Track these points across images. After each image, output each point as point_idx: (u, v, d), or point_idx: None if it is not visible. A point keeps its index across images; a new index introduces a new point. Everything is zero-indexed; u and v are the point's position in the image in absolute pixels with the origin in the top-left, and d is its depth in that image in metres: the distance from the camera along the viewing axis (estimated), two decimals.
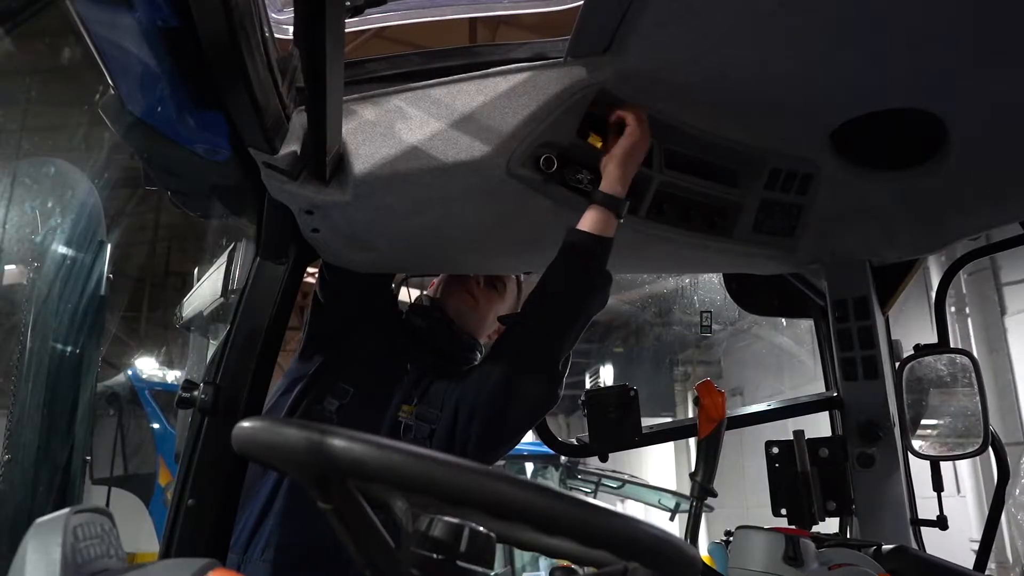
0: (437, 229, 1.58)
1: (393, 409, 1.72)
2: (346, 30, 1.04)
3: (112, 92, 1.19)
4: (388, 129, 1.35)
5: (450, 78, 1.38)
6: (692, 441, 1.75)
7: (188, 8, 0.93)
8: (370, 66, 1.44)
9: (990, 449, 1.82)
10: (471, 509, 0.62)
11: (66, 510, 0.62)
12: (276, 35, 1.24)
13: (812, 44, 1.28)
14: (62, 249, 1.71)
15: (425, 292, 2.01)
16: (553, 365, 1.54)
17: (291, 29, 1.23)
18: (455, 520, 0.71)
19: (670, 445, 12.73)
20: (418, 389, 1.73)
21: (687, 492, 1.70)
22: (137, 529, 6.32)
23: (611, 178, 1.46)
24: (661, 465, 12.90)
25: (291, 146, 1.27)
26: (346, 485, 0.62)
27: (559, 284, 1.50)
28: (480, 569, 0.72)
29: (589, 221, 1.46)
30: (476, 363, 1.86)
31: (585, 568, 0.81)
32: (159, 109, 1.17)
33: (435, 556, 0.70)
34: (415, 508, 0.79)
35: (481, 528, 0.72)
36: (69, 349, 1.67)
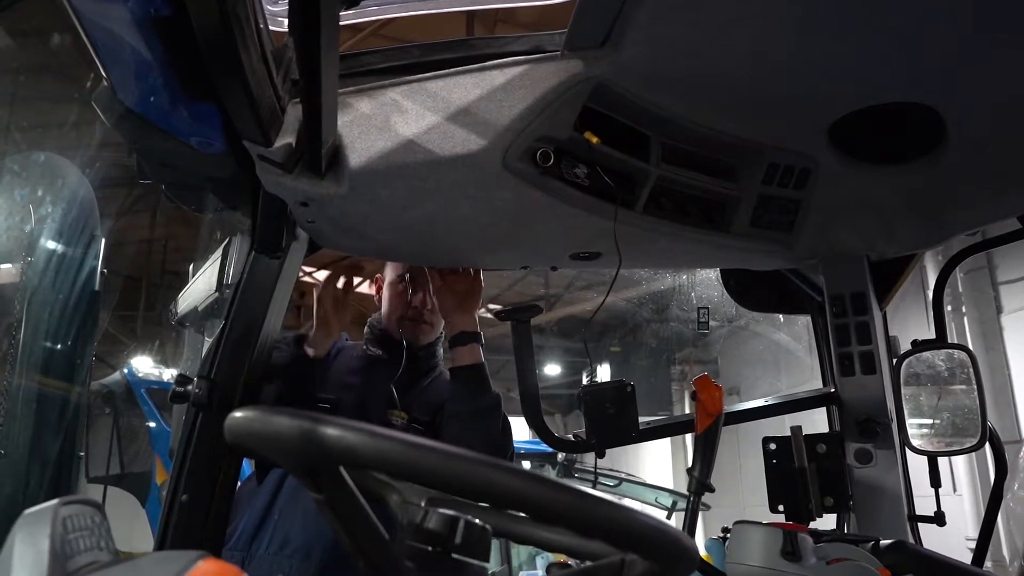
0: (433, 221, 1.57)
1: (383, 413, 1.80)
2: (341, 23, 1.03)
3: (104, 83, 1.18)
4: (384, 122, 1.34)
5: (446, 71, 1.37)
6: (689, 439, 1.75)
7: None
8: (366, 58, 1.43)
9: (987, 446, 1.81)
10: (466, 497, 0.61)
11: (55, 501, 0.61)
12: (271, 27, 1.23)
13: (810, 37, 1.27)
14: (53, 241, 1.70)
15: (374, 316, 2.07)
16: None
17: (286, 21, 1.22)
18: (450, 512, 0.71)
19: (666, 443, 12.75)
20: (404, 399, 1.91)
21: (683, 490, 1.71)
22: (135, 528, 6.30)
23: (461, 323, 1.91)
24: (657, 463, 12.92)
25: (286, 139, 1.26)
26: (338, 474, 0.61)
27: (464, 411, 1.85)
28: (475, 562, 0.71)
29: (464, 356, 1.90)
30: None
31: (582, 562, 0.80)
32: (152, 100, 1.15)
33: (430, 548, 0.70)
34: (409, 500, 0.78)
35: (476, 520, 0.71)
36: (61, 343, 1.66)
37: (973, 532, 5.89)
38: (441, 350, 2.07)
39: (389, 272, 2.05)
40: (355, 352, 2.00)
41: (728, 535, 1.49)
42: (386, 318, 2.02)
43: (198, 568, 0.56)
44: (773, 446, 1.89)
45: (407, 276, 2.00)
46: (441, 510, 0.71)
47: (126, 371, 7.46)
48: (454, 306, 1.91)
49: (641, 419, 1.93)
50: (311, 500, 1.94)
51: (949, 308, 6.90)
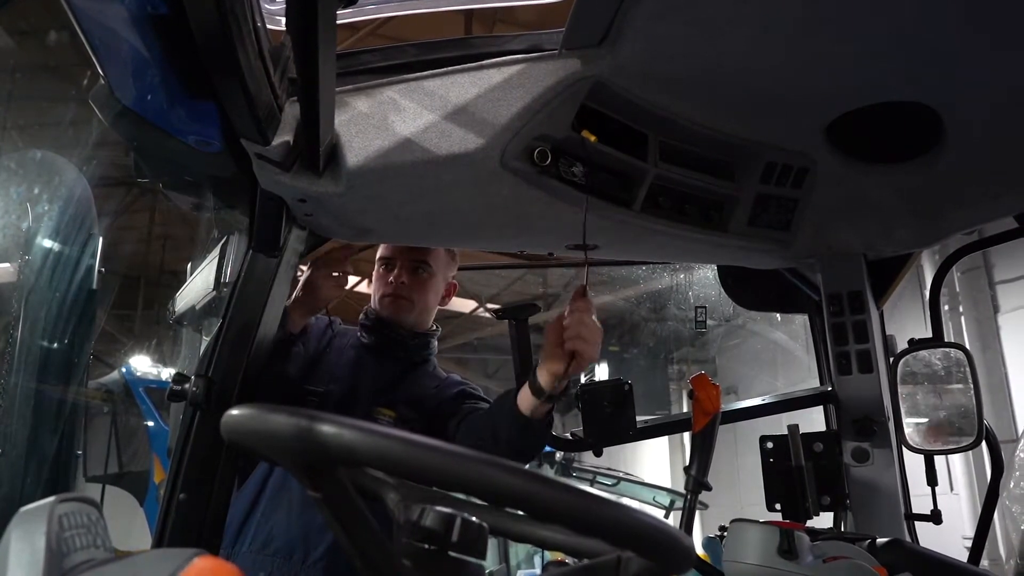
0: (431, 215, 1.58)
1: (368, 409, 1.79)
2: (339, 22, 1.03)
3: (102, 82, 1.18)
4: (382, 121, 1.35)
5: (444, 69, 1.37)
6: (687, 437, 1.75)
7: None
8: (363, 57, 1.43)
9: (983, 445, 1.82)
10: (464, 495, 0.61)
11: (51, 498, 0.61)
12: (268, 25, 1.23)
13: (809, 36, 1.28)
14: (50, 239, 1.70)
15: (367, 308, 2.04)
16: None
17: (283, 19, 1.21)
18: (447, 510, 0.71)
19: (664, 443, 12.75)
20: (392, 395, 1.86)
21: (681, 489, 1.70)
22: (133, 527, 6.29)
23: (551, 377, 1.51)
24: (655, 462, 12.93)
25: (284, 137, 1.26)
26: (336, 472, 0.61)
27: (498, 439, 1.60)
28: (472, 560, 0.71)
29: (523, 402, 1.55)
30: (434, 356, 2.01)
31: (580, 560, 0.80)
32: (149, 99, 1.15)
33: (427, 546, 0.70)
34: (407, 498, 0.78)
35: (473, 518, 0.71)
36: (58, 342, 1.66)
37: (971, 531, 5.89)
38: (435, 343, 2.05)
39: (375, 261, 2.03)
40: (348, 340, 1.98)
41: (725, 533, 1.50)
42: (374, 303, 2.00)
43: (194, 565, 0.56)
44: (770, 445, 1.90)
45: (385, 258, 1.97)
46: (438, 508, 0.71)
47: (124, 370, 7.46)
48: (549, 352, 1.54)
49: (639, 418, 1.93)
50: (294, 499, 1.92)
51: (946, 307, 6.90)
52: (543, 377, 1.51)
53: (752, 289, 2.29)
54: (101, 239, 1.80)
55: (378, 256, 1.99)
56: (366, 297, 2.21)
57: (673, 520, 6.77)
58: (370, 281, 2.16)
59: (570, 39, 1.32)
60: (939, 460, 1.91)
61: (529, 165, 1.42)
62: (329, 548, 1.67)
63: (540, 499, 0.58)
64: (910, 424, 1.87)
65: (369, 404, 1.82)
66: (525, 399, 1.56)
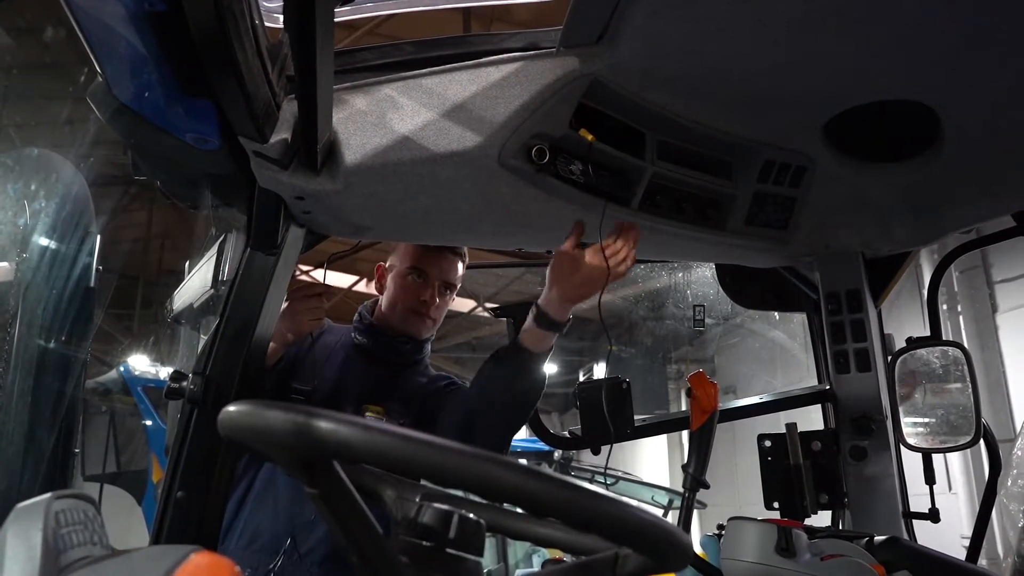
0: (429, 213, 1.58)
1: (357, 407, 1.78)
2: (337, 20, 1.03)
3: (99, 79, 1.18)
4: (379, 118, 1.35)
5: (442, 67, 1.37)
6: (685, 436, 1.75)
7: None
8: (361, 55, 1.43)
9: (981, 443, 1.82)
10: (461, 491, 0.61)
11: (48, 495, 0.61)
12: (266, 23, 1.22)
13: (807, 35, 1.28)
14: (47, 237, 1.69)
15: (365, 305, 2.02)
16: (502, 446, 1.78)
17: (281, 17, 1.21)
18: (444, 506, 0.71)
19: (663, 443, 12.76)
20: (381, 393, 1.85)
21: (680, 488, 1.71)
22: (132, 527, 6.29)
23: (559, 308, 1.63)
24: (654, 462, 12.94)
25: (281, 135, 1.26)
26: (332, 468, 0.61)
27: (497, 390, 1.71)
28: (469, 557, 0.71)
29: (530, 338, 1.66)
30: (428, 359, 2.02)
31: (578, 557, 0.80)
32: (147, 96, 1.15)
33: (424, 543, 0.70)
34: (404, 495, 0.78)
35: (471, 515, 0.71)
36: (56, 340, 1.66)
37: (969, 530, 5.90)
38: (429, 347, 2.02)
39: (399, 262, 1.92)
40: (337, 338, 1.93)
41: (723, 531, 1.50)
42: (387, 308, 1.91)
43: (190, 561, 0.56)
44: (768, 443, 1.90)
45: (418, 269, 1.89)
46: (435, 505, 0.71)
47: (122, 369, 7.44)
48: (563, 282, 1.59)
49: (637, 416, 1.94)
50: (280, 496, 1.92)
51: (945, 307, 6.90)
52: (556, 308, 1.61)
53: (750, 287, 2.30)
54: (99, 237, 1.80)
55: (409, 265, 1.89)
56: (364, 297, 2.20)
57: (672, 519, 6.78)
58: (369, 280, 2.15)
59: (568, 37, 1.32)
60: (937, 459, 1.91)
61: (527, 163, 1.42)
62: (319, 542, 1.68)
63: (538, 495, 0.58)
64: (908, 422, 1.87)
65: (358, 402, 1.81)
66: (533, 336, 1.65)
